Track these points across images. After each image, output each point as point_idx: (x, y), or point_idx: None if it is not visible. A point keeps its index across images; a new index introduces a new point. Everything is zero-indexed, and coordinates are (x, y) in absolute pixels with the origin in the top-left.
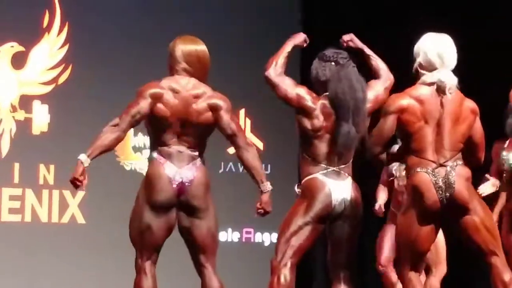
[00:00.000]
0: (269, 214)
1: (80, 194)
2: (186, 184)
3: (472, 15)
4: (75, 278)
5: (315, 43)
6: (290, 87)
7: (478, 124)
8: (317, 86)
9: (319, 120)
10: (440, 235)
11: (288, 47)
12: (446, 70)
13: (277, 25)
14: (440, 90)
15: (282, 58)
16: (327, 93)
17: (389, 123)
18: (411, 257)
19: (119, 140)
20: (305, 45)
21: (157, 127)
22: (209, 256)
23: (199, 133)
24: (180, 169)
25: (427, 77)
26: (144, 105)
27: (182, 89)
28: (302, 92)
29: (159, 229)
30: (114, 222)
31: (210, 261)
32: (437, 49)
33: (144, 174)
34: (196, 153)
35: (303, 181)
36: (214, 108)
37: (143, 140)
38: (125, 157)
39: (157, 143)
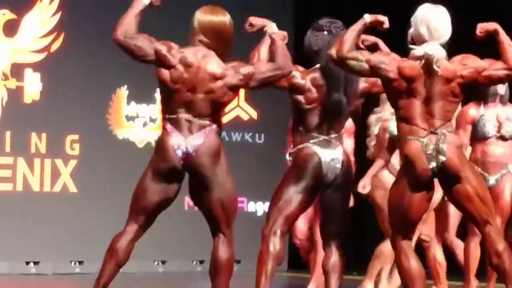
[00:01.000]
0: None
1: (72, 163)
2: (192, 153)
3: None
4: (67, 247)
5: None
6: None
7: (474, 64)
8: (309, 56)
9: (312, 93)
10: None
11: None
12: (434, 43)
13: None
14: (428, 63)
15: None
16: (317, 66)
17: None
18: (403, 225)
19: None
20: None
21: (165, 94)
22: (223, 226)
23: (210, 103)
24: (187, 138)
25: (416, 50)
26: (155, 47)
27: (194, 61)
28: None
29: (154, 194)
30: (106, 191)
31: (223, 231)
32: (427, 22)
33: (136, 143)
34: (207, 122)
35: (294, 150)
36: (234, 88)
37: (136, 109)
38: (118, 126)
39: (166, 111)
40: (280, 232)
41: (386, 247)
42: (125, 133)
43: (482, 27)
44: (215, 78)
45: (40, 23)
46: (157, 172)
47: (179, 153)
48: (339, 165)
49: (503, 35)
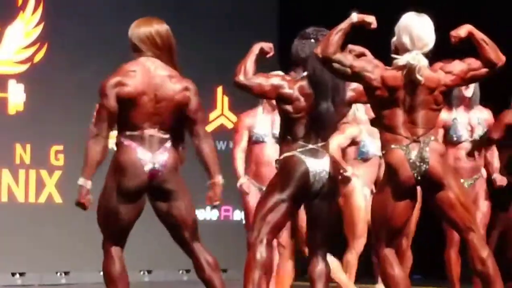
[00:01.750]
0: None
1: (57, 173)
2: (159, 169)
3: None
4: (53, 258)
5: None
6: (263, 82)
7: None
8: (297, 64)
9: (300, 102)
10: (360, 207)
11: (255, 50)
12: (417, 52)
13: (254, 4)
14: (410, 72)
15: (250, 62)
16: (305, 74)
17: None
18: (386, 233)
19: (106, 148)
20: (271, 53)
21: (126, 111)
22: (194, 233)
23: (170, 114)
24: (153, 154)
25: (398, 60)
26: (111, 103)
27: (147, 71)
28: (277, 81)
29: (128, 214)
30: (91, 202)
31: (196, 238)
32: (409, 30)
33: None
34: (167, 136)
35: (281, 157)
36: (188, 90)
37: None
38: None
39: (126, 127)
40: (266, 240)
41: None
42: (109, 143)
43: (454, 34)
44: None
45: (23, 33)
46: (125, 191)
47: (147, 170)
48: (326, 175)
49: (477, 34)
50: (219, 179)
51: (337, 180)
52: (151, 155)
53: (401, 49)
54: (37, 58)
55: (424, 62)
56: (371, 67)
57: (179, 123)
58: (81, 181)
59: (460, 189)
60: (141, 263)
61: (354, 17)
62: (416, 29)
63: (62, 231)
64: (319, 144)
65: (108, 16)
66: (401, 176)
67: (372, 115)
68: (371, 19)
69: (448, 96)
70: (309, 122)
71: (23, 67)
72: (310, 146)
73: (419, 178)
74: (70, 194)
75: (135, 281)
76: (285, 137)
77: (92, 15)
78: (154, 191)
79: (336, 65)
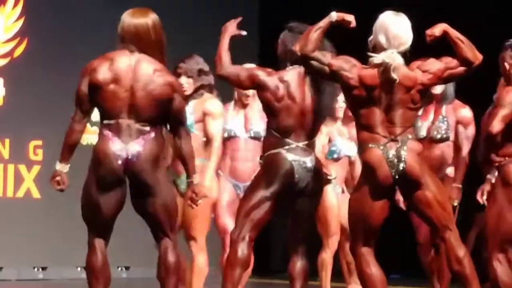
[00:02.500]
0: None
1: (36, 168)
2: (132, 159)
3: None
4: (30, 253)
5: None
6: (241, 72)
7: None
8: (284, 58)
9: (279, 90)
10: (333, 206)
11: (225, 41)
12: (392, 51)
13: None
14: (385, 71)
15: (225, 53)
16: (292, 67)
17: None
18: (364, 232)
19: (81, 131)
20: (243, 33)
21: (100, 98)
22: (167, 231)
23: (150, 107)
24: (127, 145)
25: (374, 58)
26: (82, 87)
27: (127, 62)
28: (253, 70)
29: (107, 206)
30: (70, 197)
31: (168, 235)
32: (385, 29)
33: None
34: (147, 128)
35: (266, 154)
36: (171, 86)
37: None
38: None
39: (105, 117)
40: (248, 237)
41: None
42: (89, 138)
43: (429, 33)
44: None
45: (3, 28)
46: (101, 182)
47: (120, 160)
48: (310, 173)
49: (453, 33)
50: (194, 178)
51: (321, 179)
52: (124, 145)
53: (378, 48)
54: (17, 52)
55: (400, 60)
56: (349, 66)
57: (163, 119)
58: (57, 166)
59: (437, 188)
60: (119, 259)
61: (334, 15)
62: (393, 28)
63: (40, 226)
64: (305, 142)
65: (89, 10)
66: (379, 175)
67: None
68: (350, 18)
69: (425, 95)
70: (295, 117)
71: (3, 62)
72: (296, 144)
73: (396, 177)
74: (49, 189)
75: (112, 277)
76: (269, 130)
77: (73, 10)
78: (131, 183)
79: (314, 63)
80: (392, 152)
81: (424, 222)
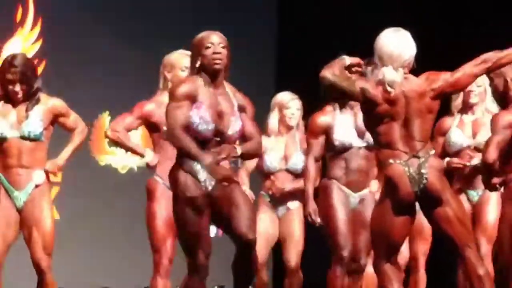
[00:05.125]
0: None
1: (55, 189)
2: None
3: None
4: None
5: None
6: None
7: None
8: None
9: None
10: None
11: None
12: (389, 68)
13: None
14: (384, 88)
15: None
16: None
17: None
18: (386, 249)
19: None
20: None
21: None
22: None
23: None
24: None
25: (377, 75)
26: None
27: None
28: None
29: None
30: (88, 218)
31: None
32: (384, 47)
33: (119, 169)
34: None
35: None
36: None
37: None
38: (100, 152)
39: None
40: None
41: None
42: (107, 159)
43: None
44: None
45: (22, 50)
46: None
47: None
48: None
49: None
50: None
51: None
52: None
53: (380, 65)
54: None
55: (393, 75)
56: (371, 84)
57: None
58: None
59: (458, 205)
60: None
61: (347, 59)
62: (389, 46)
63: (59, 246)
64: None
65: (106, 35)
66: (401, 192)
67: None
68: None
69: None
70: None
71: None
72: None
73: (418, 193)
74: (67, 209)
75: None
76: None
77: (91, 32)
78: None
79: (344, 83)
80: (413, 168)
81: (443, 239)
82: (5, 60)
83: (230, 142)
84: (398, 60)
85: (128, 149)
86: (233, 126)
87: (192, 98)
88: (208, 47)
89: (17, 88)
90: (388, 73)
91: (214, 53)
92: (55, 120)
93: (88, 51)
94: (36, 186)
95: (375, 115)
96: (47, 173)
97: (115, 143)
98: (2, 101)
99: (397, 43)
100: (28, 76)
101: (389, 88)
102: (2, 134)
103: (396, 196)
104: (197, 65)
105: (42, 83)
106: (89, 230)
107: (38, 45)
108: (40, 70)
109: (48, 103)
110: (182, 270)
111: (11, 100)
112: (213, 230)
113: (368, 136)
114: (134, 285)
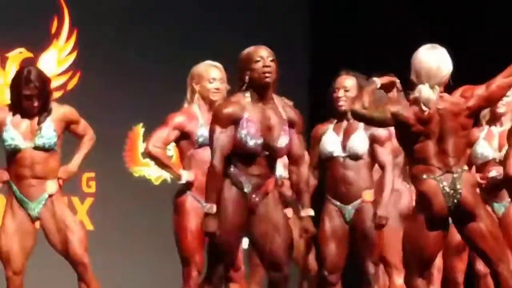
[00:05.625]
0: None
1: (89, 201)
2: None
3: None
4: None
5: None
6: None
7: (476, 92)
8: None
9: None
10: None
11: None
12: (426, 86)
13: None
14: (419, 107)
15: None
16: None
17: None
18: (419, 264)
19: None
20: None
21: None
22: None
23: None
24: None
25: (413, 93)
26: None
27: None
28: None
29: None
30: (122, 229)
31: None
32: (422, 64)
33: (153, 181)
34: None
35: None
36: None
37: None
38: (134, 163)
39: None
40: None
41: None
42: (141, 170)
43: None
44: None
45: (57, 61)
46: None
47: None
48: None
49: None
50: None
51: None
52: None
53: (417, 82)
54: (70, 85)
55: (428, 93)
56: (403, 106)
57: None
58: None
59: (491, 220)
60: None
61: (377, 81)
62: (427, 62)
63: (94, 258)
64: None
65: (140, 45)
66: (435, 207)
67: None
68: (393, 79)
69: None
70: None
71: (57, 95)
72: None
73: (451, 208)
74: (102, 221)
75: None
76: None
77: (125, 43)
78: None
79: (375, 113)
80: (447, 183)
81: (477, 255)
82: (21, 74)
83: (279, 155)
84: (436, 77)
85: (166, 167)
86: (282, 139)
87: (237, 120)
88: (257, 61)
89: (35, 103)
90: (424, 91)
91: (264, 66)
92: (66, 128)
93: (122, 62)
94: (49, 196)
95: (409, 135)
96: (59, 180)
97: (155, 159)
98: (14, 112)
99: (435, 60)
100: (46, 91)
101: (424, 108)
102: (16, 145)
103: (429, 211)
104: (246, 79)
105: (75, 95)
106: (123, 241)
107: (73, 56)
108: (74, 81)
109: (59, 111)
110: None
111: (25, 113)
112: (245, 242)
113: (352, 146)
114: None
